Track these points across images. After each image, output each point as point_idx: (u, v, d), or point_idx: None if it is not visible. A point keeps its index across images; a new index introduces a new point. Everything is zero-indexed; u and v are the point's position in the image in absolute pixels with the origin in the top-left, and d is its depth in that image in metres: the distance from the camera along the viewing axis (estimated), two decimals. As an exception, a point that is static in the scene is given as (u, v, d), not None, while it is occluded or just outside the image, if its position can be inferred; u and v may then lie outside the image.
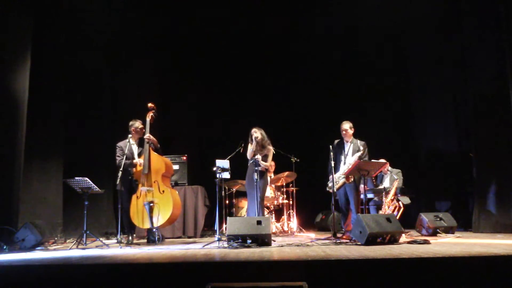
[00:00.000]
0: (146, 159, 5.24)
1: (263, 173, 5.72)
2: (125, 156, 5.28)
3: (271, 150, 5.86)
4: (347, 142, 5.56)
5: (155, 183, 5.18)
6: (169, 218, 5.09)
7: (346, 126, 5.52)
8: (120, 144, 5.48)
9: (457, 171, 7.12)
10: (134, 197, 5.24)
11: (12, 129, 5.43)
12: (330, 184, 5.42)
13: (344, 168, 5.43)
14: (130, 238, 5.38)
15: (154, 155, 5.32)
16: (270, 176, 7.26)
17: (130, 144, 5.34)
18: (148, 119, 5.44)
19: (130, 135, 5.41)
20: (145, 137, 5.39)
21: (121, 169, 5.01)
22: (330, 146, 5.34)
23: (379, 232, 4.29)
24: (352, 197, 5.42)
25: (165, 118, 8.40)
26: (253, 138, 5.69)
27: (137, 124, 5.55)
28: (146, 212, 5.05)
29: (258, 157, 5.58)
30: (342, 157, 5.50)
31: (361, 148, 5.45)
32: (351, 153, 5.46)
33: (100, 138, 7.23)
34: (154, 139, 5.44)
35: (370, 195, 6.65)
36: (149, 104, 5.52)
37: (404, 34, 8.11)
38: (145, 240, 5.65)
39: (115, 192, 6.68)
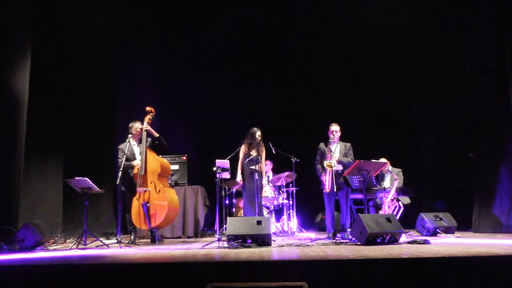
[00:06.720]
0: (143, 161, 5.26)
1: (260, 174, 5.77)
2: (125, 158, 5.33)
3: (263, 151, 5.95)
4: (334, 143, 5.56)
5: (152, 184, 5.20)
6: (165, 217, 5.07)
7: (338, 127, 5.63)
8: (121, 146, 5.51)
9: (457, 171, 7.12)
10: (134, 198, 5.24)
11: (12, 129, 5.44)
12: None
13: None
14: (133, 237, 5.37)
15: (150, 156, 5.31)
16: (269, 176, 7.28)
17: (130, 144, 5.40)
18: (145, 123, 5.38)
19: (130, 136, 5.42)
20: (143, 127, 5.38)
21: (121, 169, 5.08)
22: (331, 147, 5.32)
23: (379, 232, 4.29)
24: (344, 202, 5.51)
25: (165, 118, 8.40)
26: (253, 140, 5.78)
27: (137, 125, 5.56)
28: (143, 213, 5.06)
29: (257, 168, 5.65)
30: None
31: (349, 148, 5.58)
32: (341, 154, 5.50)
33: (100, 138, 7.23)
34: (151, 129, 5.38)
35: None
36: (147, 108, 5.48)
37: (404, 33, 8.10)
38: (145, 240, 5.64)
39: (115, 192, 6.69)
